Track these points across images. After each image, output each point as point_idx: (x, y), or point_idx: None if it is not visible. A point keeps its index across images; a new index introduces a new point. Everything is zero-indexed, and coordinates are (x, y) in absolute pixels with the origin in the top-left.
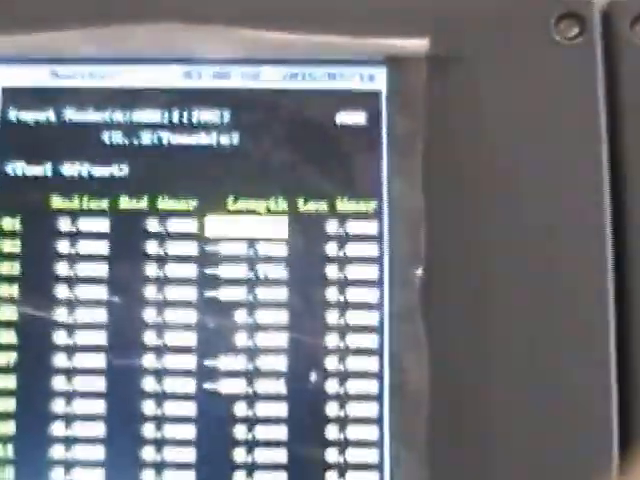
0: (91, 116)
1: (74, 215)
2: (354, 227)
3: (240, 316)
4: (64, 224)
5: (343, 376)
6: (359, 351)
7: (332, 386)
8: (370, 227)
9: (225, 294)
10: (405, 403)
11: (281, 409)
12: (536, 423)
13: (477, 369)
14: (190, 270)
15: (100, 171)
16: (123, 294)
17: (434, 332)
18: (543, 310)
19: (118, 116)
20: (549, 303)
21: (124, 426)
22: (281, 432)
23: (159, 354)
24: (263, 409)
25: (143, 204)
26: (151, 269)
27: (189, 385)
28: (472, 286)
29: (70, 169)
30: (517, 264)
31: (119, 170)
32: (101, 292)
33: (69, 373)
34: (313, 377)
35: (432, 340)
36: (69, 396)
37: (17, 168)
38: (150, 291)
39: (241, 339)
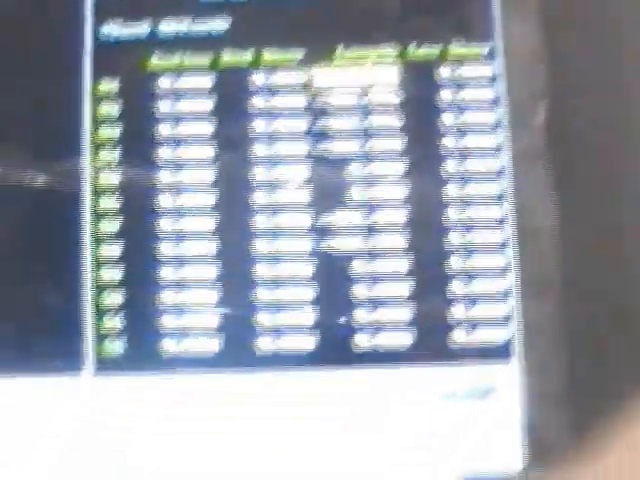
0: None
1: (175, 74)
2: (468, 71)
3: (354, 169)
4: (164, 83)
5: (466, 226)
6: (481, 198)
7: (455, 237)
8: (485, 70)
9: (337, 147)
10: (532, 250)
11: (402, 265)
12: None
13: (609, 211)
14: (299, 124)
15: (200, 27)
16: (230, 152)
17: (560, 175)
18: None
19: None
20: None
21: (238, 291)
22: (403, 289)
23: (271, 213)
24: (383, 266)
25: (247, 57)
26: (258, 125)
27: (304, 244)
28: (601, 120)
29: (168, 27)
30: None
31: (220, 24)
32: (207, 151)
33: (177, 237)
34: (434, 229)
35: (558, 183)
36: (178, 262)
37: (113, 30)
38: (258, 148)
39: (357, 193)
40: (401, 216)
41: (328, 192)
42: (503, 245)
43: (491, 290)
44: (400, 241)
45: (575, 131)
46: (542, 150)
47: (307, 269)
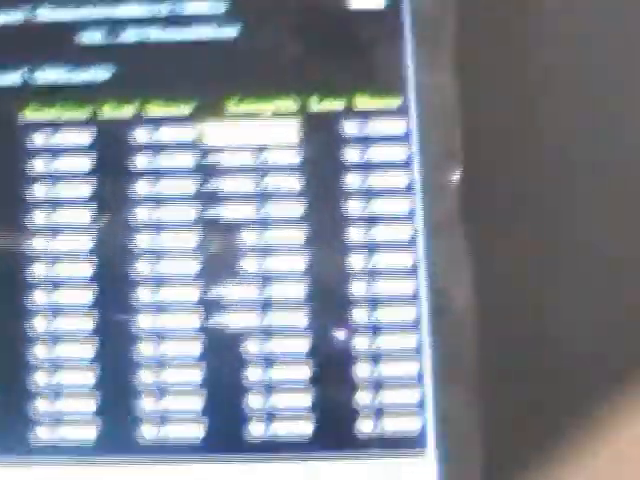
0: (67, 14)
1: (51, 128)
2: (377, 127)
3: (249, 237)
4: (39, 139)
5: (373, 302)
6: (390, 272)
7: (361, 314)
8: (396, 126)
9: (230, 212)
10: (447, 330)
11: (301, 345)
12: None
13: (531, 284)
14: (187, 185)
15: (79, 76)
16: (110, 216)
17: (478, 245)
18: (607, 213)
19: (98, 12)
20: (615, 204)
21: (117, 373)
22: (301, 372)
23: (155, 285)
24: (279, 345)
25: (130, 111)
26: (142, 186)
27: (191, 321)
28: (520, 188)
29: (44, 76)
30: (572, 154)
31: (101, 74)
32: (84, 215)
33: (51, 312)
34: (337, 305)
35: (476, 254)
36: (52, 340)
37: None
38: (141, 212)
39: (251, 264)
40: (300, 290)
41: (219, 262)
42: (415, 323)
43: (401, 373)
44: (299, 318)
45: (493, 194)
46: (458, 216)
47: (195, 348)
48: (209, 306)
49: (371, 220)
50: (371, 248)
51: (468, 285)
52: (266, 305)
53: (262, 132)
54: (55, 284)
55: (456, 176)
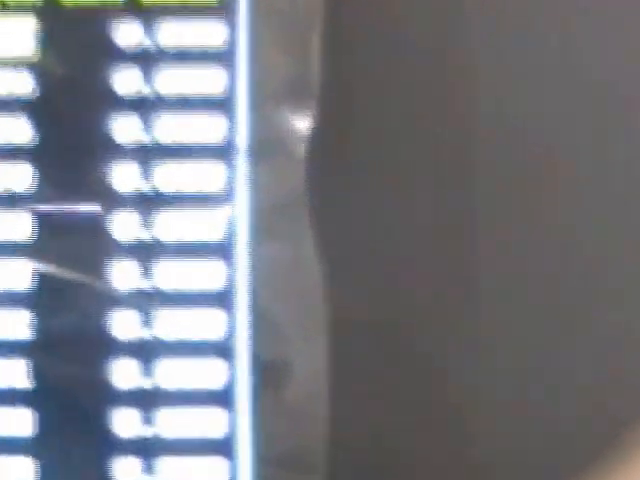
0: None
1: None
2: (179, 36)
3: None
4: None
5: (151, 351)
6: (187, 296)
7: (131, 369)
8: (211, 35)
9: None
10: (279, 415)
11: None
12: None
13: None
14: None
15: None
16: None
17: (335, 254)
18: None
19: None
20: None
21: None
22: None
23: None
24: None
25: None
26: None
27: None
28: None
29: None
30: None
31: None
32: None
33: None
34: (92, 352)
35: (333, 271)
36: None
37: None
38: None
39: None
40: (27, 325)
41: None
42: (226, 392)
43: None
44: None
45: (359, 159)
46: (304, 192)
47: None
48: None
49: (157, 201)
50: (155, 251)
51: (322, 323)
52: None
53: None
54: None
55: (305, 125)
